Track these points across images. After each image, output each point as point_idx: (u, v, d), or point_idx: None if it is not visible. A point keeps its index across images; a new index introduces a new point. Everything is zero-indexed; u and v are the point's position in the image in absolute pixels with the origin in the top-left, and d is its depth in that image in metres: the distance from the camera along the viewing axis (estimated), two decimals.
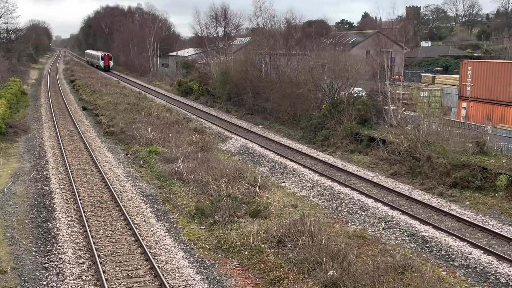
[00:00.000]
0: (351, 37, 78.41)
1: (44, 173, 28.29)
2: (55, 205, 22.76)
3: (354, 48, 69.13)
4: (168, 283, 15.59)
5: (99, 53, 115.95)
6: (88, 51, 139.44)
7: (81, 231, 19.92)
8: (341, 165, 30.59)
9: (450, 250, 18.60)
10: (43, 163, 30.52)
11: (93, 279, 16.06)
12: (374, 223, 21.66)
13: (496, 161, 25.96)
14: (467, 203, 23.87)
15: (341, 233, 19.68)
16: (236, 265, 17.36)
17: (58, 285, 15.68)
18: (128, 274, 16.30)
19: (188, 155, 30.25)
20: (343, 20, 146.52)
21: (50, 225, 20.57)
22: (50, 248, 18.38)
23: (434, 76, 59.11)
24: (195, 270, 16.83)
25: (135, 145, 34.84)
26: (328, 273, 15.35)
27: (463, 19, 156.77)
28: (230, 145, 37.32)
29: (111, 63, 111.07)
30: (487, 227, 20.70)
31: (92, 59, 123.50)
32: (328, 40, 61.83)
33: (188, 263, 17.32)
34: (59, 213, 21.68)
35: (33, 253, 18.16)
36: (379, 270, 15.70)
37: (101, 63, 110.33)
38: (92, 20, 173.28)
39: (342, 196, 24.89)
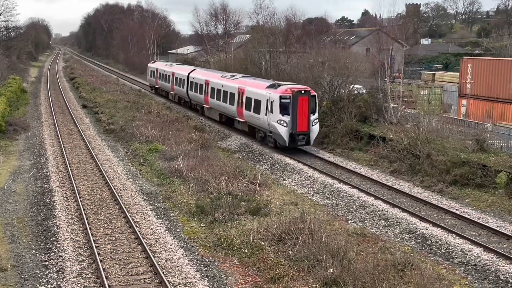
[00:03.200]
0: (351, 35, 78.41)
1: (44, 171, 28.28)
2: (55, 203, 22.75)
3: (354, 45, 69.09)
4: (168, 280, 15.59)
5: (270, 90, 32.33)
6: (209, 75, 44.29)
7: (81, 229, 19.92)
8: (341, 162, 30.57)
9: (450, 248, 18.60)
10: (43, 161, 30.50)
11: (93, 276, 16.06)
12: (374, 220, 21.66)
13: (496, 158, 25.98)
14: (467, 200, 23.87)
15: (341, 230, 19.68)
16: (236, 263, 17.37)
17: (58, 283, 15.68)
18: (128, 272, 16.31)
19: (188, 152, 30.24)
20: (343, 17, 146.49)
21: (50, 223, 20.56)
22: (50, 246, 18.38)
23: (434, 74, 59.11)
24: (195, 267, 16.84)
25: (135, 143, 34.84)
26: (328, 271, 15.35)
27: (463, 17, 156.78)
28: (230, 142, 37.30)
29: (315, 122, 32.06)
30: (487, 224, 20.70)
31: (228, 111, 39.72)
32: (328, 38, 61.75)
33: (188, 260, 17.33)
34: (59, 211, 21.68)
35: (33, 251, 18.16)
36: (379, 268, 15.70)
37: (282, 128, 31.22)
38: (91, 18, 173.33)
39: (342, 193, 24.88)
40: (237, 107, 36.75)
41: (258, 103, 33.46)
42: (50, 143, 35.33)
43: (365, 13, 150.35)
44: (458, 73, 43.53)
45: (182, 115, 46.81)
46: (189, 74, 48.76)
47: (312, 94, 31.96)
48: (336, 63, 38.86)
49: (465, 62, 39.32)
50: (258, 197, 22.98)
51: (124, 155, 32.53)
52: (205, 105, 44.34)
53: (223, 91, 39.21)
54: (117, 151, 33.60)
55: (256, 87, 34.48)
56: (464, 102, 38.41)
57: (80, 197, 23.31)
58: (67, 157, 30.75)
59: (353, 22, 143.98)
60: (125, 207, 21.99)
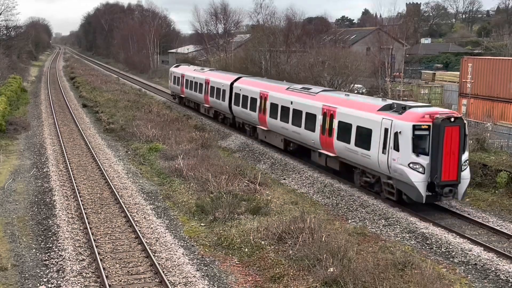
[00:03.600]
0: (351, 34, 78.47)
1: (44, 170, 28.28)
2: (55, 202, 22.75)
3: (354, 45, 69.11)
4: (168, 280, 15.59)
5: (389, 115, 22.01)
6: (267, 87, 34.20)
7: (81, 228, 19.92)
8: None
9: (450, 247, 18.59)
10: (43, 160, 30.51)
11: (94, 276, 16.06)
12: (374, 220, 21.65)
13: (496, 158, 25.99)
14: (467, 200, 23.85)
15: (341, 230, 19.68)
16: (236, 262, 17.37)
17: (59, 282, 15.67)
18: (128, 271, 16.30)
19: (188, 152, 30.25)
20: (343, 17, 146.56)
21: (50, 222, 20.56)
22: (51, 245, 18.38)
23: (435, 73, 59.20)
24: (195, 267, 16.83)
25: (135, 142, 34.85)
26: (328, 270, 15.35)
27: (464, 16, 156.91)
28: (230, 142, 37.30)
29: (466, 164, 21.65)
30: (487, 224, 20.71)
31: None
32: (328, 37, 61.79)
33: (188, 260, 17.33)
34: (59, 210, 21.68)
35: (34, 250, 18.16)
36: (379, 267, 15.71)
37: (416, 174, 20.84)
38: (92, 17, 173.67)
39: (342, 193, 24.87)
40: (321, 134, 26.73)
41: (365, 132, 23.13)
42: (51, 143, 35.34)
43: (365, 13, 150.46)
44: (458, 73, 43.54)
45: (182, 114, 46.82)
46: (232, 83, 39.03)
47: (463, 122, 21.19)
48: (336, 63, 38.92)
49: (466, 61, 39.33)
50: (258, 197, 22.99)
51: (124, 155, 32.54)
52: (259, 126, 34.51)
53: (294, 109, 29.43)
54: (117, 151, 33.60)
55: (358, 108, 24.15)
56: (464, 101, 38.42)
57: (80, 196, 23.31)
58: (67, 157, 30.75)
59: (353, 22, 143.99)
60: (125, 207, 22.00)
